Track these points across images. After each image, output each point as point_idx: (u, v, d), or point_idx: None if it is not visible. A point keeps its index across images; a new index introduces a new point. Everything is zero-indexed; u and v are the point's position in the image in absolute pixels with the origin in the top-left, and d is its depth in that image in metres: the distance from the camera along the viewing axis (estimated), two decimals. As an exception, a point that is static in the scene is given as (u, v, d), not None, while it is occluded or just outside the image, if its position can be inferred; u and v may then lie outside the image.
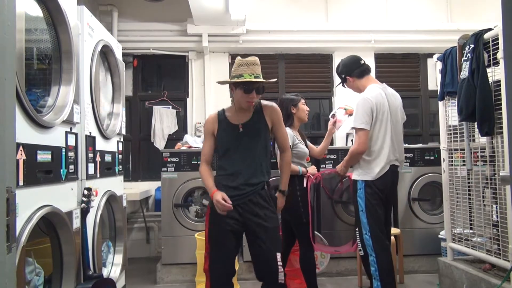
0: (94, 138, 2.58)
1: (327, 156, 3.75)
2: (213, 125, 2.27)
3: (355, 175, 2.60)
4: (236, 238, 2.17)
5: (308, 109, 2.99)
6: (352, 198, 2.67)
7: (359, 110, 2.52)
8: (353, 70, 2.67)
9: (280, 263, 2.09)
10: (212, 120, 2.29)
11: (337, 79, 2.87)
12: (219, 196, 2.08)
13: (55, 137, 2.03)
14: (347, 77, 2.70)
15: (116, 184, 3.03)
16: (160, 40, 4.57)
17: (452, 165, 3.09)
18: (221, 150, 2.24)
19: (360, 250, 2.54)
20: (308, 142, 3.05)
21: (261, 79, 2.13)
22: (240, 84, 2.13)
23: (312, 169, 2.92)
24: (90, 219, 2.46)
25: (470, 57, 2.60)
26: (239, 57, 2.18)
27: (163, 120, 4.58)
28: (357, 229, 2.56)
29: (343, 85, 2.80)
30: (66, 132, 2.15)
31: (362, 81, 2.66)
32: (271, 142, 2.36)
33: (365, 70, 2.67)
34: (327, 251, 3.24)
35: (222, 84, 2.36)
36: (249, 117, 2.23)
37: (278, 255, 2.10)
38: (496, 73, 2.54)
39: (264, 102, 2.29)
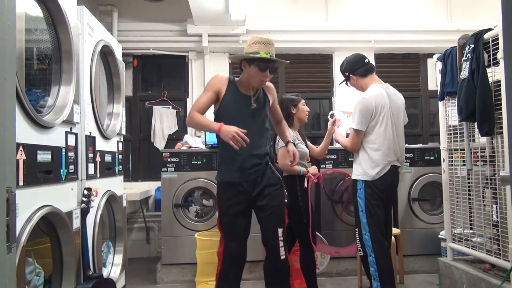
0: (94, 138, 2.58)
1: (327, 156, 3.75)
2: (221, 85, 2.23)
3: (355, 175, 2.59)
4: (246, 217, 2.25)
5: (308, 109, 2.99)
6: (352, 198, 2.66)
7: (356, 110, 2.53)
8: (357, 68, 2.65)
9: (281, 239, 2.17)
10: (222, 79, 2.26)
11: (338, 79, 2.88)
12: (234, 128, 1.98)
13: (55, 137, 2.03)
14: (350, 75, 2.68)
15: (116, 184, 3.03)
16: (160, 40, 4.57)
17: (452, 165, 3.09)
18: (225, 116, 2.19)
19: (359, 250, 2.54)
20: (308, 142, 3.05)
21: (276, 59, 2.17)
22: (255, 61, 2.13)
23: (313, 169, 2.92)
24: (90, 219, 2.45)
25: (470, 57, 2.60)
26: (254, 35, 2.21)
27: (163, 120, 4.58)
28: (356, 229, 2.57)
29: (346, 83, 2.78)
30: (66, 132, 2.15)
31: (365, 80, 2.64)
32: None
33: (369, 69, 2.65)
34: (328, 252, 3.23)
35: (236, 59, 2.33)
36: (254, 92, 2.27)
37: (280, 231, 2.18)
38: (496, 73, 2.54)
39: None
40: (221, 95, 2.22)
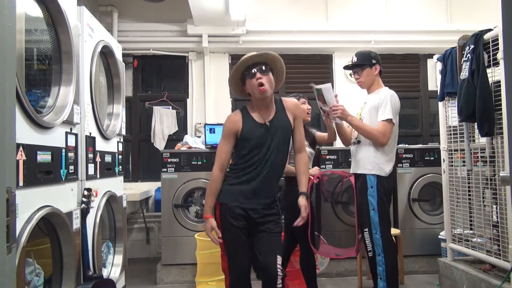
0: (94, 138, 2.58)
1: (327, 157, 3.75)
2: (237, 124, 2.10)
3: (367, 169, 2.54)
4: (247, 236, 2.13)
5: (309, 107, 2.98)
6: (358, 197, 2.63)
7: (392, 103, 2.52)
8: (381, 65, 2.71)
9: (279, 267, 2.05)
10: (236, 118, 2.12)
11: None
12: (209, 226, 2.10)
13: (55, 138, 2.03)
14: (377, 65, 2.67)
15: (116, 185, 3.02)
16: (160, 41, 4.57)
17: (452, 165, 3.09)
18: (246, 148, 2.10)
19: (369, 251, 2.52)
20: (317, 132, 3.05)
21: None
22: (243, 75, 2.07)
23: (314, 170, 2.91)
24: (90, 219, 2.45)
25: (470, 57, 2.60)
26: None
27: (163, 121, 4.58)
28: (366, 229, 2.53)
29: (357, 71, 2.70)
30: (66, 133, 2.15)
31: (379, 79, 2.71)
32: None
33: (382, 72, 2.73)
34: (327, 255, 3.22)
35: (232, 83, 2.18)
36: (273, 114, 2.14)
37: (279, 259, 2.06)
38: (496, 74, 2.55)
39: (284, 98, 2.24)
40: (239, 132, 2.11)
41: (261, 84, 2.02)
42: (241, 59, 2.07)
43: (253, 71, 2.04)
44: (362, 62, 2.68)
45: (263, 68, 2.05)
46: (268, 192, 2.14)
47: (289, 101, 2.21)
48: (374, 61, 2.66)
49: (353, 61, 2.71)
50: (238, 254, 2.12)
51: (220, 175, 2.13)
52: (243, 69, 2.08)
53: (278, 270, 2.04)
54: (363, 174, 2.56)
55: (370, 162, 2.54)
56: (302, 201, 2.20)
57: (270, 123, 2.10)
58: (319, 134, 3.06)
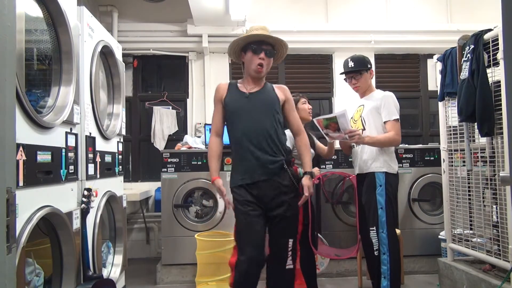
0: (94, 138, 2.58)
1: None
2: (222, 91, 2.22)
3: (376, 167, 2.58)
4: (262, 221, 2.09)
5: (310, 107, 2.97)
6: (364, 195, 2.64)
7: (393, 103, 2.62)
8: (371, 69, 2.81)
9: (290, 249, 2.09)
10: (222, 86, 2.25)
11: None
12: (217, 186, 2.14)
13: (55, 138, 2.03)
14: (371, 69, 2.78)
15: (116, 185, 3.02)
16: (160, 41, 4.57)
17: (452, 165, 3.09)
18: (228, 117, 2.20)
19: (376, 250, 2.53)
20: (317, 142, 3.05)
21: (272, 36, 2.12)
22: (249, 45, 2.10)
23: (314, 170, 2.90)
24: (90, 219, 2.45)
25: (470, 57, 2.60)
26: (252, 26, 2.20)
27: (163, 121, 4.58)
28: (373, 228, 2.54)
29: (354, 76, 2.75)
30: (66, 133, 2.15)
31: (371, 83, 2.81)
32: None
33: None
34: (327, 255, 3.21)
35: (232, 48, 2.21)
36: (259, 88, 2.20)
37: (290, 241, 2.10)
38: (496, 74, 2.55)
39: (276, 84, 2.29)
40: (223, 100, 2.20)
41: (261, 65, 2.12)
42: (255, 33, 2.11)
43: (260, 48, 2.10)
44: (360, 68, 2.74)
45: (270, 51, 2.14)
46: (262, 161, 2.09)
47: (281, 86, 2.29)
48: (369, 66, 2.76)
49: (350, 66, 2.76)
50: (251, 235, 2.06)
51: (217, 139, 2.22)
52: (251, 40, 2.12)
53: (289, 253, 2.08)
54: (372, 173, 2.59)
55: (379, 160, 2.59)
56: (305, 180, 2.17)
57: (251, 94, 2.17)
58: (319, 145, 3.06)
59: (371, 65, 2.79)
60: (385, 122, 2.62)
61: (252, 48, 2.11)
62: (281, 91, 2.24)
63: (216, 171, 2.19)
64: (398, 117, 2.61)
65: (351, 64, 2.74)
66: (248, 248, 2.03)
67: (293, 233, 2.14)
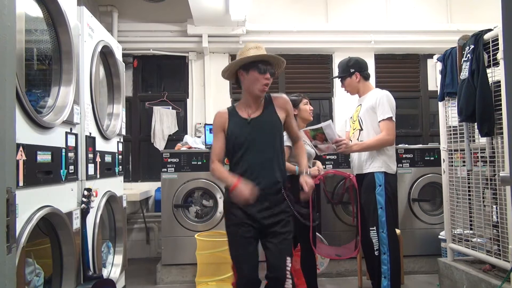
0: (94, 138, 2.58)
1: (327, 157, 3.75)
2: (224, 120, 2.13)
3: (375, 167, 2.58)
4: (255, 242, 2.08)
5: (311, 108, 2.98)
6: (363, 195, 2.64)
7: (388, 102, 2.60)
8: (364, 70, 2.77)
9: (288, 269, 2.04)
10: (222, 114, 2.16)
11: (337, 79, 2.89)
12: (246, 192, 1.93)
13: (55, 138, 2.03)
14: (356, 72, 2.75)
15: (116, 185, 3.03)
16: (160, 41, 4.57)
17: (452, 165, 3.09)
18: (231, 147, 2.11)
19: (376, 250, 2.53)
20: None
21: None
22: (254, 65, 2.04)
23: (314, 170, 2.90)
24: (90, 219, 2.45)
25: (470, 57, 2.60)
26: (247, 43, 2.14)
27: (163, 121, 4.58)
28: (373, 228, 2.55)
29: (341, 81, 2.81)
30: (66, 133, 2.15)
31: (366, 83, 2.77)
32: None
33: (369, 75, 2.82)
34: (328, 256, 3.21)
35: (233, 67, 2.14)
36: (260, 111, 2.13)
37: (288, 260, 2.04)
38: (496, 74, 2.55)
39: (273, 94, 2.22)
40: (226, 128, 2.13)
41: (267, 85, 2.07)
42: (258, 54, 2.04)
43: (266, 68, 2.05)
44: (342, 75, 2.81)
45: (272, 71, 2.09)
46: (265, 195, 2.05)
47: (279, 98, 2.20)
48: (352, 70, 2.74)
49: (337, 72, 2.83)
50: (245, 256, 2.07)
51: (219, 163, 2.12)
52: (252, 61, 2.06)
53: (287, 273, 2.03)
54: (371, 173, 2.59)
55: (378, 160, 2.59)
56: (303, 177, 2.14)
57: (253, 120, 2.11)
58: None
59: (356, 68, 2.74)
60: (379, 122, 2.62)
61: (259, 68, 2.04)
62: (281, 107, 2.17)
63: (233, 177, 2.03)
64: (391, 115, 2.58)
65: (337, 70, 2.82)
66: (245, 271, 2.06)
67: (290, 252, 2.11)
